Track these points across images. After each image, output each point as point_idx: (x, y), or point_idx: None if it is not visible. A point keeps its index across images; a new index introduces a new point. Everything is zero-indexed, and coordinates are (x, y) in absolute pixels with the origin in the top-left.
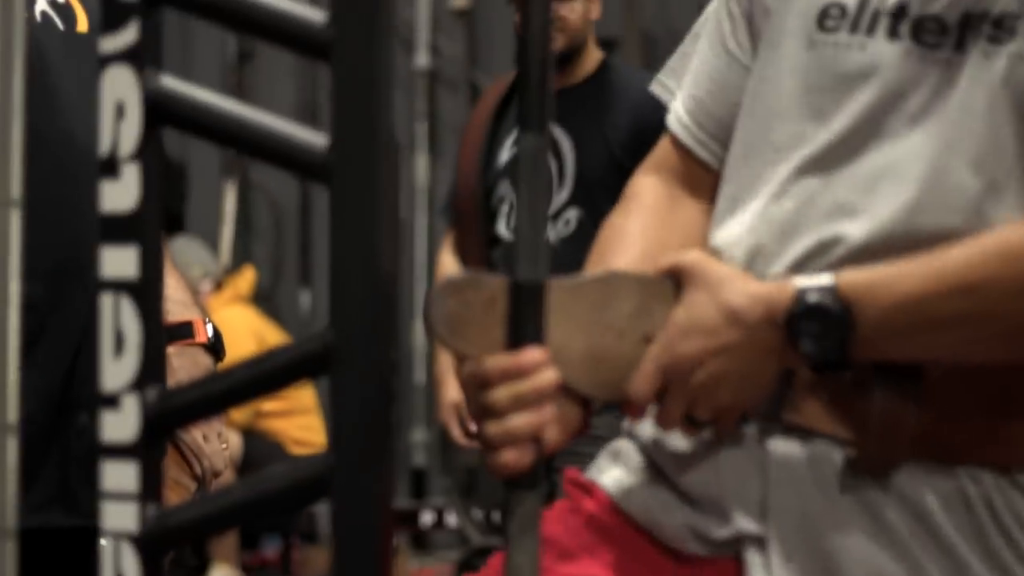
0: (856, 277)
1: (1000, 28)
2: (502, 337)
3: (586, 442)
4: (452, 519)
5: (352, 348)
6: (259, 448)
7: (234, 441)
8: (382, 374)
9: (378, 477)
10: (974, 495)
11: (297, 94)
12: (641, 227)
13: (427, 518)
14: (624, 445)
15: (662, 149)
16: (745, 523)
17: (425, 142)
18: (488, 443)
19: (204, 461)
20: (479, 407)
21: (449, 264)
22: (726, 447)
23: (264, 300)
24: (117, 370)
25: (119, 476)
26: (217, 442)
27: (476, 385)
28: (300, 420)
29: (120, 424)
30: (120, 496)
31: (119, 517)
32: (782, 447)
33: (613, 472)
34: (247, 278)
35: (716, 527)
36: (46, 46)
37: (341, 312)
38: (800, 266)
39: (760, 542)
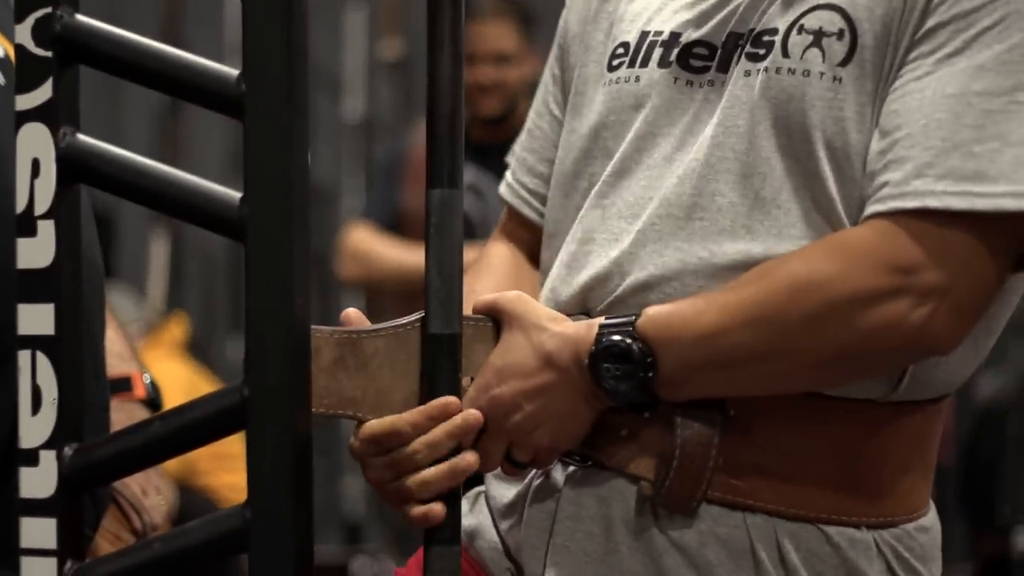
0: (656, 314)
1: (758, 45)
2: (324, 387)
3: None
4: (387, 569)
5: (268, 401)
6: (195, 503)
7: (169, 495)
8: (299, 426)
9: (297, 528)
10: (762, 551)
11: (230, 142)
12: (492, 288)
13: (362, 568)
14: (478, 492)
15: (503, 214)
16: (531, 568)
17: (361, 191)
18: (406, 498)
19: (144, 515)
20: (390, 465)
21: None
22: (534, 493)
23: (196, 348)
24: (35, 427)
25: (38, 532)
26: (156, 496)
27: (379, 444)
28: (236, 478)
29: (38, 481)
30: (39, 552)
31: (38, 573)
32: (576, 485)
33: (467, 520)
34: (179, 327)
35: None
36: None
37: (256, 366)
38: (581, 301)
39: None
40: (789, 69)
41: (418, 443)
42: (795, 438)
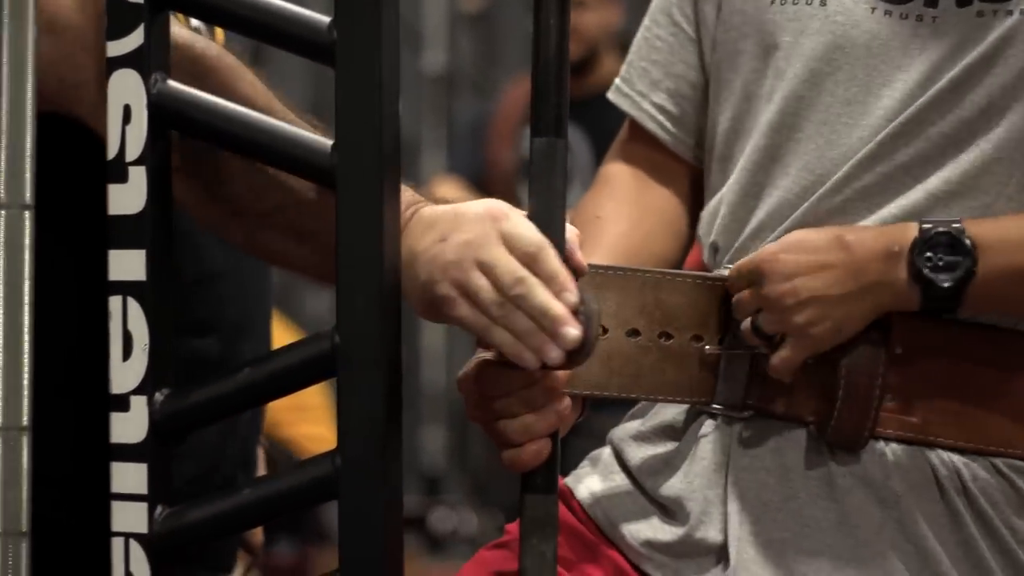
0: (981, 222)
1: None
2: None
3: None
4: (466, 520)
5: (359, 348)
6: (278, 453)
7: None
8: (389, 374)
9: (387, 476)
10: (945, 479)
11: (309, 93)
12: (614, 211)
13: (441, 519)
14: (604, 451)
15: (624, 129)
16: (709, 526)
17: (443, 144)
18: (507, 441)
19: None
20: (494, 408)
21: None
22: (694, 446)
23: (281, 301)
24: (125, 372)
25: (128, 478)
26: None
27: (485, 386)
28: (312, 429)
29: (129, 426)
30: (129, 497)
31: (129, 518)
32: (746, 435)
33: (589, 479)
34: None
35: (678, 532)
36: None
37: (347, 313)
38: (770, 227)
39: (722, 549)
40: None
41: (515, 396)
42: (969, 374)
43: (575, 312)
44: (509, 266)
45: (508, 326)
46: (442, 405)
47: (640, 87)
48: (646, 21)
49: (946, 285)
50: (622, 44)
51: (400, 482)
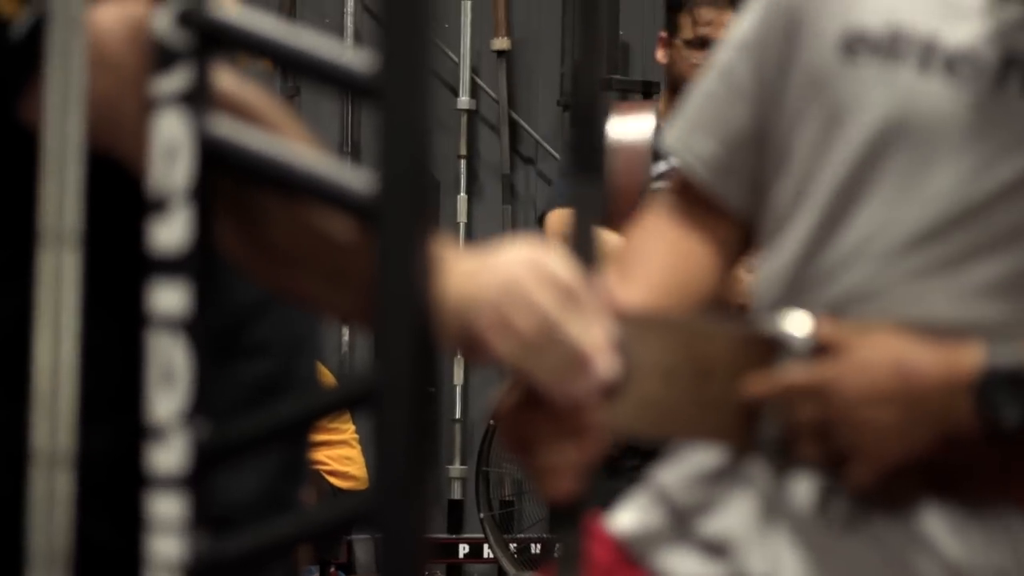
0: None
1: None
2: None
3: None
4: (488, 551)
5: (396, 387)
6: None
7: None
8: (424, 413)
9: (418, 511)
10: (997, 528)
11: (340, 132)
12: (655, 251)
13: (463, 550)
14: (641, 491)
15: (673, 177)
16: (757, 565)
17: (463, 181)
18: (541, 474)
19: None
20: (528, 441)
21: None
22: (738, 489)
23: None
24: (165, 403)
25: (166, 509)
26: None
27: (520, 420)
28: (339, 451)
29: (168, 456)
30: (166, 529)
31: (166, 549)
32: (789, 476)
33: (626, 515)
34: None
35: (724, 571)
36: None
37: (385, 351)
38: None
39: None
40: None
41: (550, 430)
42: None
43: (610, 350)
44: (549, 304)
45: (546, 362)
46: (459, 437)
47: (688, 132)
48: (705, 71)
49: (1012, 424)
50: None
51: (430, 515)
